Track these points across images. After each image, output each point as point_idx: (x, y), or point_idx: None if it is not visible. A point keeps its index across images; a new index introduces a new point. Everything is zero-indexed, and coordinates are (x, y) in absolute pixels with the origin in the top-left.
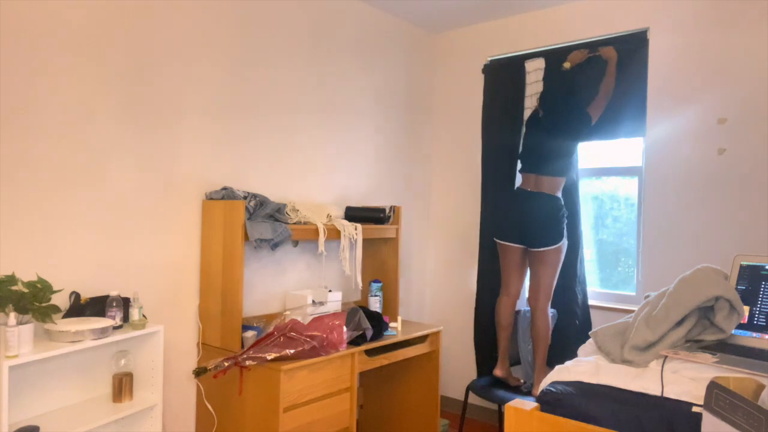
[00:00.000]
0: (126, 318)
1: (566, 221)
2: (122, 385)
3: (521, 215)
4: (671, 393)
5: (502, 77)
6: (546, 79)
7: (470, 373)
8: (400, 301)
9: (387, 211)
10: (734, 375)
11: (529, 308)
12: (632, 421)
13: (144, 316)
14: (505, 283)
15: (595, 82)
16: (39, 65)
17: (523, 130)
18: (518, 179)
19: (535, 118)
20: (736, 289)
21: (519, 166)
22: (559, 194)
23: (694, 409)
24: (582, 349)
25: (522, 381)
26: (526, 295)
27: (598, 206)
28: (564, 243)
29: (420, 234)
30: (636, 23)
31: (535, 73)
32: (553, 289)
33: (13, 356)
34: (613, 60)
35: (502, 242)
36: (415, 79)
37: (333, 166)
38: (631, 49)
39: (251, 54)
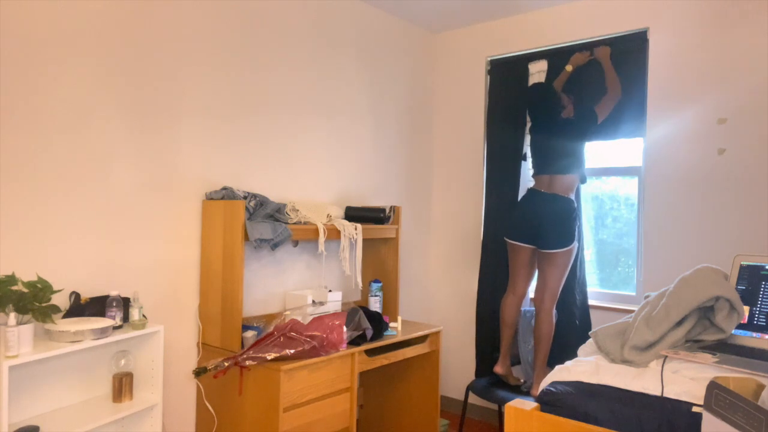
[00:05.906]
0: (126, 318)
1: (579, 223)
2: (122, 385)
3: (534, 216)
4: (671, 393)
5: (507, 79)
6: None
7: (470, 373)
8: (400, 301)
9: (387, 211)
10: (734, 375)
11: (532, 308)
12: (632, 421)
13: (144, 316)
14: (513, 282)
15: (597, 83)
16: (39, 65)
17: (528, 133)
18: (531, 182)
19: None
20: (736, 289)
21: (531, 171)
22: (572, 196)
23: (694, 409)
24: (582, 349)
25: (522, 380)
26: (531, 295)
27: (598, 206)
28: (575, 245)
29: (420, 234)
30: (636, 23)
31: (538, 74)
32: (560, 291)
33: (13, 356)
34: (606, 58)
35: (512, 242)
36: (415, 79)
37: (333, 166)
38: (631, 49)
39: (251, 54)
